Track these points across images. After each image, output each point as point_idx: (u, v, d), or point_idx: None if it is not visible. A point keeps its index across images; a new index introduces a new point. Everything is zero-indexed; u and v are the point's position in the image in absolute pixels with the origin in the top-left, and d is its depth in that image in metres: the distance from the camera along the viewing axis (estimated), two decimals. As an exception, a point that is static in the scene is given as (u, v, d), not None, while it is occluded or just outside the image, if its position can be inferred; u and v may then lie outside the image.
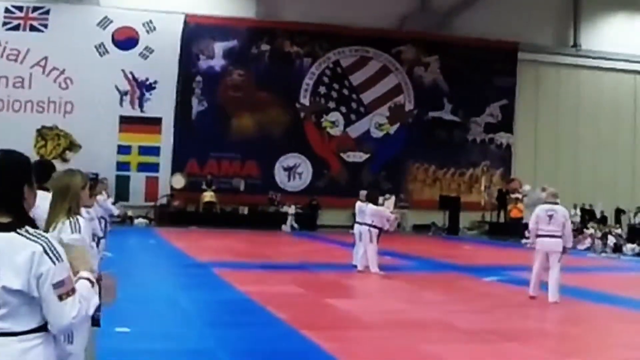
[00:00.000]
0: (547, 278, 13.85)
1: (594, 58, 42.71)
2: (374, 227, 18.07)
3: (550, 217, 13.93)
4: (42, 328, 3.21)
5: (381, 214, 18.45)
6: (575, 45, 42.84)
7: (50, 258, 3.16)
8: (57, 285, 3.17)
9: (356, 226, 19.08)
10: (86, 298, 3.32)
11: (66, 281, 3.21)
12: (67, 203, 5.37)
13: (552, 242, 13.86)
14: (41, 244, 3.16)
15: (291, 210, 36.09)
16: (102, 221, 14.55)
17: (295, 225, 35.60)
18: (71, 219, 5.29)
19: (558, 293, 13.53)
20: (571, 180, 40.36)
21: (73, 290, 3.23)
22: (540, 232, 14.00)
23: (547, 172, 39.83)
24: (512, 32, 40.06)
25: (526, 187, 37.02)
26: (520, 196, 36.50)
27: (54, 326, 3.21)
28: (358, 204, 19.18)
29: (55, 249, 3.20)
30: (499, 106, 41.38)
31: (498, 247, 31.29)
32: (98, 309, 5.57)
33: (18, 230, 3.16)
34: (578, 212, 38.85)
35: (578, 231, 33.23)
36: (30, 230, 3.20)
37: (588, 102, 42.38)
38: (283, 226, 35.33)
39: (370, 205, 18.40)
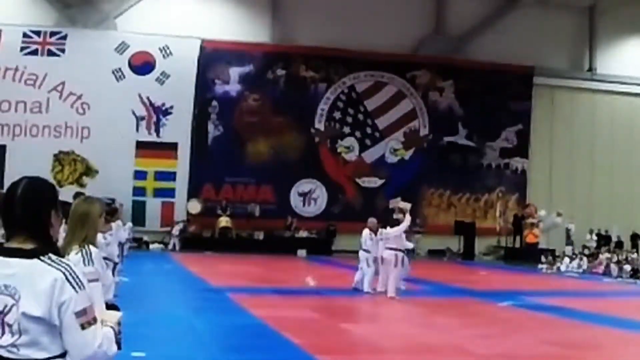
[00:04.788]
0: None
1: (609, 82, 42.61)
2: (400, 250, 18.15)
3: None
4: (65, 355, 3.17)
5: (401, 232, 18.49)
6: (590, 69, 42.80)
7: (72, 285, 3.13)
8: (79, 314, 3.13)
9: (362, 253, 19.29)
10: (110, 340, 3.30)
11: (88, 310, 3.17)
12: (84, 231, 5.38)
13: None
14: (62, 271, 3.13)
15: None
16: (118, 247, 14.65)
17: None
18: (84, 249, 5.30)
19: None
20: (587, 205, 40.26)
21: (95, 320, 3.20)
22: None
23: (563, 197, 39.74)
24: (527, 57, 40.10)
25: (542, 213, 36.96)
26: (535, 221, 36.42)
27: (76, 357, 3.15)
28: (367, 232, 19.36)
29: (77, 276, 3.18)
30: (514, 131, 41.27)
31: (514, 272, 31.16)
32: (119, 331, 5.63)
33: (41, 257, 3.13)
34: (594, 237, 38.71)
35: (594, 256, 33.13)
36: (53, 257, 3.16)
37: (603, 126, 42.24)
38: (299, 251, 35.22)
39: (389, 229, 18.52)
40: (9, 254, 3.15)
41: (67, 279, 3.14)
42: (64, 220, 5.63)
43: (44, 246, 3.19)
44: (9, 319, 3.11)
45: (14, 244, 3.19)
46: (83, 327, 3.15)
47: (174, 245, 35.03)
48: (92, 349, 3.17)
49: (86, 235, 5.38)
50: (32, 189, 3.27)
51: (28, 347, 3.11)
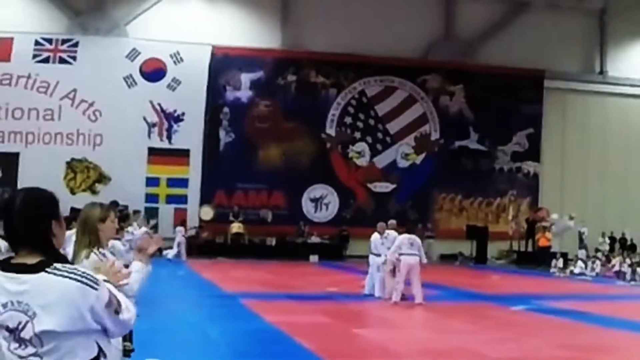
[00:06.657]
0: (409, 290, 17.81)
1: (620, 85, 42.46)
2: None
3: (412, 243, 17.84)
4: None
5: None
6: (602, 72, 42.69)
7: (90, 285, 3.10)
8: (108, 305, 3.16)
9: (372, 257, 19.33)
10: (126, 304, 3.36)
11: (111, 297, 3.20)
12: (86, 236, 5.39)
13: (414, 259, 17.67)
14: (73, 277, 3.07)
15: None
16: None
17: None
18: (93, 253, 5.33)
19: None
20: (599, 208, 40.13)
21: (118, 301, 3.25)
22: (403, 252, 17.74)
23: (575, 200, 39.60)
24: (538, 60, 40.01)
25: (554, 216, 36.83)
26: (548, 225, 36.31)
27: (124, 333, 3.55)
28: (376, 236, 19.35)
29: (88, 274, 3.14)
30: (525, 134, 41.17)
31: (526, 276, 31.11)
32: (130, 339, 5.65)
33: (47, 270, 3.07)
34: (607, 240, 38.62)
35: (607, 259, 33.05)
36: (58, 266, 3.10)
37: (615, 129, 42.08)
38: (311, 257, 35.20)
39: (393, 233, 18.63)
40: (17, 270, 3.10)
41: (82, 282, 3.10)
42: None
43: (49, 257, 3.14)
44: (24, 334, 3.07)
45: (19, 259, 3.14)
46: (117, 312, 3.22)
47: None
48: (130, 322, 3.35)
49: (89, 240, 5.37)
50: (30, 201, 3.22)
51: (51, 355, 3.08)
